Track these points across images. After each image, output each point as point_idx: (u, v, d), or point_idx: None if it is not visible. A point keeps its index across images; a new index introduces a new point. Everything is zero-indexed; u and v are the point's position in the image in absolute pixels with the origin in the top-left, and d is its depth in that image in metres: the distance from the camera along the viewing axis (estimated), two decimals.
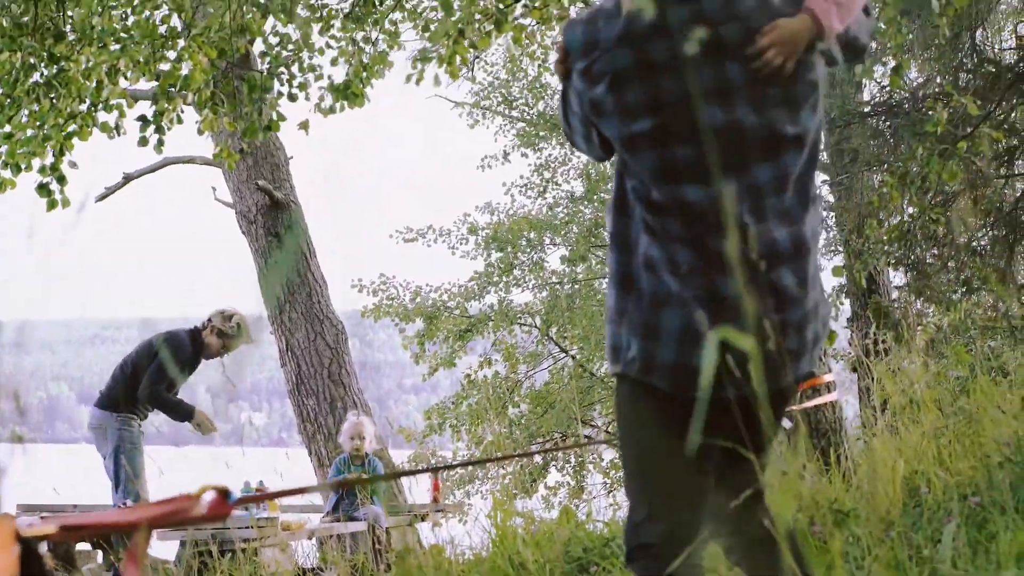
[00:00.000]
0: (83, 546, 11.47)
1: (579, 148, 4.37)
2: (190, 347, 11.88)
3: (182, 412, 11.63)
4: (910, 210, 13.56)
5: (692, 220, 3.96)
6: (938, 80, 13.00)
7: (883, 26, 9.19)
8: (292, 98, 11.32)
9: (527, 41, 13.12)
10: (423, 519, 12.50)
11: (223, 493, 2.65)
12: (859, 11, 4.21)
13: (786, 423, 9.02)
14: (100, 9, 9.98)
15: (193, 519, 2.64)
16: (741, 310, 3.85)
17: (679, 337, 3.99)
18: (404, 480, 15.86)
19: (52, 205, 10.20)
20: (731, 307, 3.91)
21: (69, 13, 10.11)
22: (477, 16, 9.54)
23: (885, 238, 12.60)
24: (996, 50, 13.14)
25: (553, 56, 4.46)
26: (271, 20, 10.98)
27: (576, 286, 25.64)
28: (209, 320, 12.01)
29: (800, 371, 4.13)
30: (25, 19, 9.87)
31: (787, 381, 4.07)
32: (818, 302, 4.15)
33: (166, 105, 10.43)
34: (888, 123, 16.20)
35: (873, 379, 9.05)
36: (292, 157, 16.83)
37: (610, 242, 4.18)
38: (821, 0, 4.09)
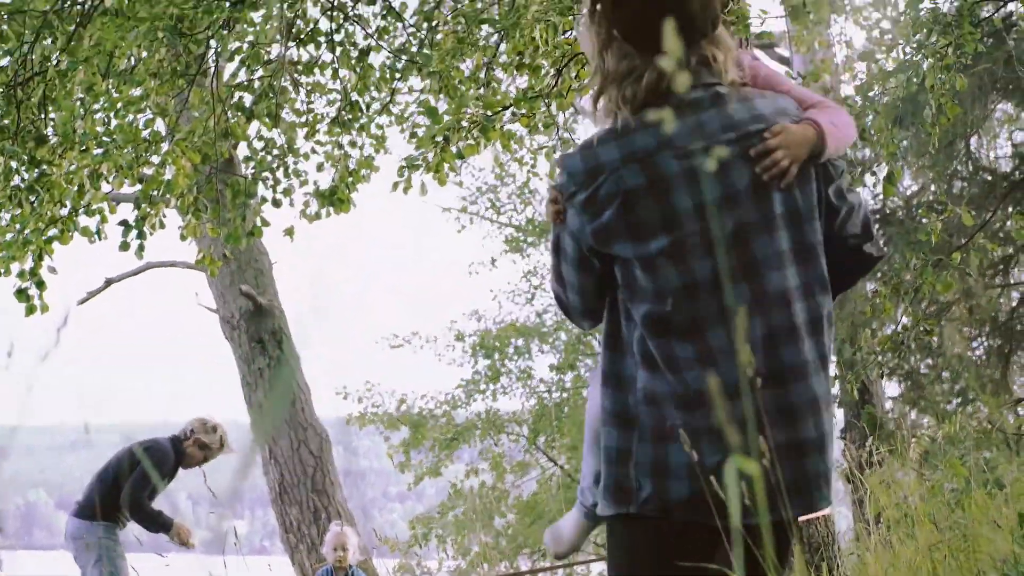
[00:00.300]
0: None
1: (570, 310, 4.23)
2: (172, 457, 11.68)
3: (161, 523, 11.41)
4: (904, 319, 13.41)
5: (703, 340, 3.93)
6: (932, 188, 12.91)
7: (874, 134, 9.09)
8: (276, 204, 11.18)
9: (515, 147, 12.99)
10: None
11: None
12: (845, 145, 4.19)
13: None
14: (83, 112, 9.85)
15: None
16: (749, 435, 3.71)
17: (689, 472, 3.92)
18: None
19: (31, 311, 10.04)
20: (739, 434, 3.71)
21: (51, 116, 9.97)
22: (464, 123, 9.42)
23: (878, 348, 12.44)
24: (991, 158, 13.06)
25: (544, 200, 4.30)
26: (256, 124, 10.87)
27: (564, 394, 25.45)
28: (192, 431, 11.82)
29: (818, 500, 4.05)
30: (6, 122, 9.74)
31: (801, 508, 4.03)
32: (830, 429, 4.08)
33: (148, 210, 10.27)
34: (882, 231, 16.10)
35: (866, 492, 8.91)
36: (276, 262, 16.73)
37: (603, 381, 4.09)
38: (822, 116, 4.11)
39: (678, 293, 3.92)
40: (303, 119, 11.16)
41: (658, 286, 3.94)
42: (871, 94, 8.76)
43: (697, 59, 4.04)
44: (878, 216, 15.03)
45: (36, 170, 9.84)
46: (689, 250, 3.91)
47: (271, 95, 10.43)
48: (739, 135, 3.99)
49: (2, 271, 10.07)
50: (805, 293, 4.00)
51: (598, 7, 4.07)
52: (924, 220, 10.38)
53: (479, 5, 9.80)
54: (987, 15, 9.22)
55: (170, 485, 12.05)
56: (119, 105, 10.07)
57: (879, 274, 15.19)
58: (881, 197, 13.96)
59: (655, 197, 3.92)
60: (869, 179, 13.29)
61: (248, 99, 10.67)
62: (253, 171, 11.12)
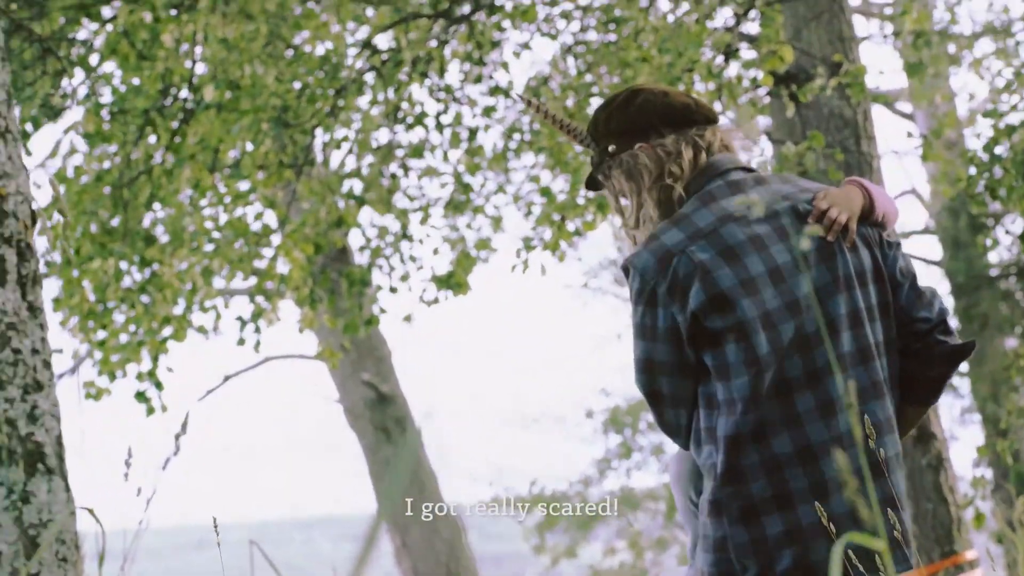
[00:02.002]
0: None
1: (680, 431, 4.14)
2: None
3: None
4: None
5: (791, 404, 3.99)
6: None
7: (1004, 191, 8.74)
8: (393, 290, 11.08)
9: None
10: None
11: None
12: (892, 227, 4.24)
13: None
14: (191, 209, 9.74)
15: None
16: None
17: (788, 542, 3.96)
18: None
19: (151, 411, 9.96)
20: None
21: (159, 214, 9.88)
22: (580, 200, 9.21)
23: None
24: None
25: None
26: (368, 211, 10.76)
27: None
28: None
29: (910, 555, 4.04)
30: (114, 223, 9.65)
31: (904, 565, 4.01)
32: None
33: (263, 304, 10.15)
34: (1019, 285, 15.67)
35: (1019, 552, 8.54)
36: (394, 351, 16.62)
37: (689, 475, 4.21)
38: (858, 180, 4.16)
39: (767, 359, 3.94)
40: (415, 203, 11.03)
41: (751, 355, 3.94)
42: (997, 149, 8.40)
43: (718, 145, 4.17)
44: (1015, 271, 14.61)
45: (147, 270, 9.74)
46: (772, 313, 3.96)
47: (381, 181, 10.30)
48: (791, 204, 4.07)
49: (120, 373, 9.97)
50: (883, 351, 4.06)
51: (610, 148, 4.18)
52: None
53: (587, 78, 9.58)
54: None
55: None
56: (227, 200, 9.96)
57: (1018, 328, 14.72)
58: (1019, 253, 13.51)
59: (729, 265, 3.97)
60: (1005, 237, 12.87)
61: (358, 186, 10.56)
62: (368, 259, 11.01)
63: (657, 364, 4.04)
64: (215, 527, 4.88)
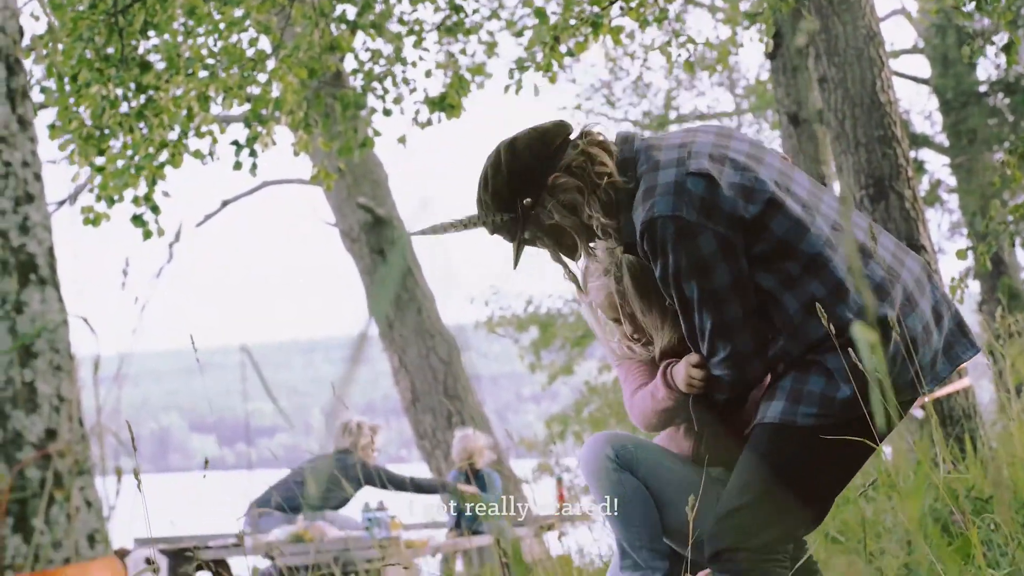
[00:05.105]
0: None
1: (746, 360, 4.18)
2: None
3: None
4: None
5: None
6: None
7: (989, 3, 8.75)
8: (387, 113, 11.13)
9: (627, 40, 12.80)
10: (549, 529, 12.25)
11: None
12: None
13: (918, 412, 8.70)
14: (185, 37, 9.76)
15: None
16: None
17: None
18: (528, 490, 15.65)
19: (147, 235, 10.02)
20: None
21: (154, 41, 9.89)
22: (572, 21, 9.23)
23: (1011, 218, 12.15)
24: None
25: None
26: (361, 35, 10.77)
27: None
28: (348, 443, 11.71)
29: None
30: (110, 50, 9.67)
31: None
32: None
33: (259, 129, 10.20)
34: (1006, 100, 15.74)
35: (1007, 362, 8.74)
36: (390, 175, 16.69)
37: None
38: None
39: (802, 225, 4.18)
40: (408, 28, 11.05)
41: (795, 222, 4.10)
42: None
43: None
44: (1001, 85, 14.66)
45: (143, 96, 9.77)
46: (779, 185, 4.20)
47: (375, 5, 10.30)
48: None
49: (116, 198, 10.03)
50: None
51: (525, 202, 4.20)
52: None
53: None
54: None
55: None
56: (222, 26, 9.98)
57: (1006, 143, 14.81)
58: (1004, 67, 13.55)
59: (723, 164, 4.12)
60: (990, 49, 12.89)
61: (351, 11, 10.57)
62: (361, 83, 11.05)
63: (718, 294, 4.04)
64: (193, 346, 5.04)
